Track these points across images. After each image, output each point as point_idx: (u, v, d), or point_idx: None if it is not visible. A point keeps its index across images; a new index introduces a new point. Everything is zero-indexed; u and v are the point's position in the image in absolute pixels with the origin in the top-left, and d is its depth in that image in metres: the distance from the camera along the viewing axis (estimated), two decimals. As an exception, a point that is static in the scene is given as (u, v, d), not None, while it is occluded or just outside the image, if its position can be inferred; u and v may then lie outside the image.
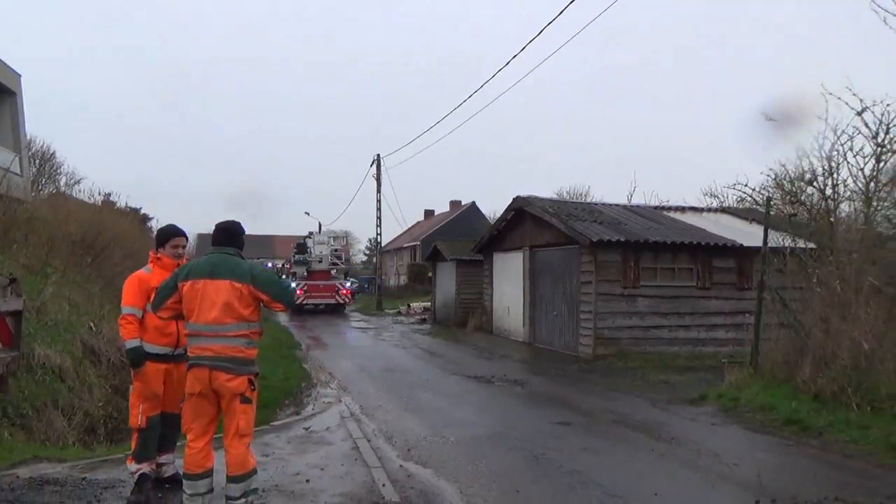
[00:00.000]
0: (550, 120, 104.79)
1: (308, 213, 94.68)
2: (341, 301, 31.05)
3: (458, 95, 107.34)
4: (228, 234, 4.61)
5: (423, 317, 28.34)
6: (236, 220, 4.75)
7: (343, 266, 33.01)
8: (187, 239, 5.53)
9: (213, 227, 4.70)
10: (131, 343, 4.91)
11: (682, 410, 9.10)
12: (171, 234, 5.31)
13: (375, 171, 35.24)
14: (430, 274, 28.69)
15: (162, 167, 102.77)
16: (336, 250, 32.60)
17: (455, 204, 59.41)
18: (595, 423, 8.29)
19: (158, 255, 5.22)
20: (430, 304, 28.16)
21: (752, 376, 9.95)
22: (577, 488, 5.53)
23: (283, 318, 27.78)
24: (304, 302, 29.96)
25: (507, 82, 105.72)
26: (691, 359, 14.19)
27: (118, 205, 23.29)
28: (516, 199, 18.64)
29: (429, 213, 65.04)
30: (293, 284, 32.31)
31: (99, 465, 5.83)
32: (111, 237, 18.54)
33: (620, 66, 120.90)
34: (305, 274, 31.31)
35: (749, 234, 16.27)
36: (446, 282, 25.79)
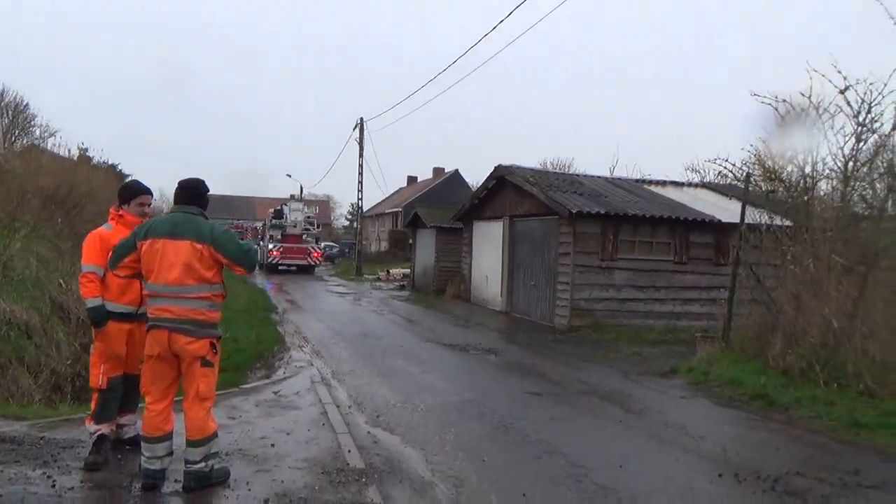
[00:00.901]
0: (538, 90, 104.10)
1: (290, 176, 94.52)
2: (312, 263, 34.25)
3: (444, 62, 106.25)
4: (191, 193, 4.45)
5: (402, 283, 28.30)
6: (200, 178, 4.57)
7: (315, 231, 36.02)
8: (152, 196, 5.34)
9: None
10: (92, 302, 4.76)
11: (652, 383, 9.16)
12: (136, 190, 5.12)
13: (358, 136, 34.83)
14: (410, 241, 28.60)
15: (140, 126, 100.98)
16: (309, 217, 35.68)
17: (438, 171, 59.05)
18: (566, 393, 8.31)
19: (121, 213, 5.04)
20: (409, 270, 28.09)
21: (723, 351, 10.02)
22: (542, 458, 5.53)
23: (259, 280, 27.71)
24: (279, 262, 33.25)
25: (494, 47, 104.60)
26: (665, 332, 14.30)
27: (94, 160, 22.77)
28: (498, 168, 18.49)
29: (412, 180, 64.66)
30: (270, 245, 33.87)
31: (59, 425, 5.72)
32: (85, 193, 18.25)
33: (614, 39, 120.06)
34: (280, 237, 34.10)
35: (727, 210, 16.30)
36: (426, 249, 25.72)
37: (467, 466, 5.29)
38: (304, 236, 34.77)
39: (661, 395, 8.42)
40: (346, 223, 77.79)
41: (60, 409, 6.81)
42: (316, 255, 34.80)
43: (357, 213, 39.12)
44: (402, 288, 26.85)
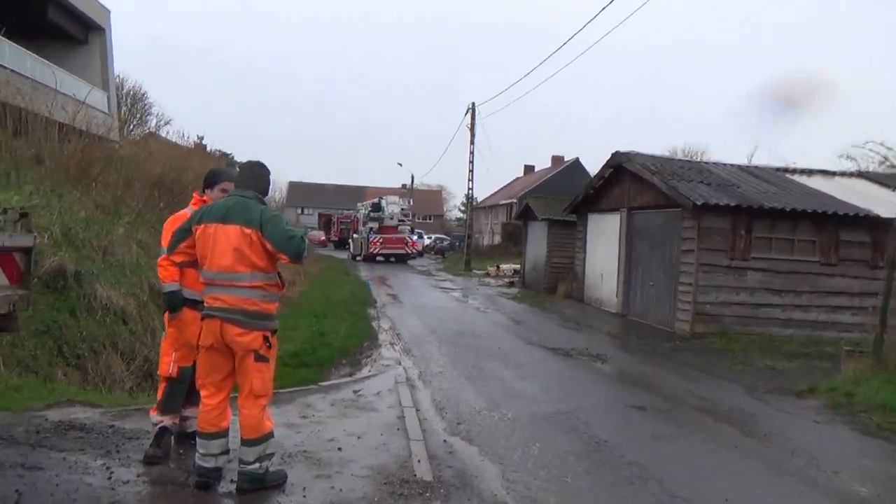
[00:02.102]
0: (668, 72, 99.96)
1: (401, 165, 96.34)
2: (409, 252, 38.19)
3: (562, 39, 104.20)
4: (250, 177, 4.44)
5: (511, 280, 27.98)
6: (260, 160, 4.56)
7: (409, 223, 39.53)
8: None
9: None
10: (169, 286, 4.75)
11: (782, 402, 8.43)
12: (220, 175, 5.15)
13: (469, 121, 34.83)
14: (523, 234, 28.29)
15: (253, 117, 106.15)
16: (404, 209, 38.92)
17: (557, 159, 58.11)
18: (675, 408, 7.80)
19: (204, 198, 5.09)
20: (521, 265, 27.78)
21: (873, 369, 9.06)
22: (634, 483, 5.16)
23: (364, 272, 28.31)
24: (378, 252, 36.86)
25: (615, 20, 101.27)
26: (806, 344, 13.22)
27: (208, 148, 24.02)
28: (615, 155, 17.81)
29: (528, 170, 64.07)
30: (370, 236, 36.90)
31: (132, 414, 5.96)
32: (192, 179, 19.17)
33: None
34: (378, 228, 37.30)
35: (890, 204, 14.84)
36: (537, 243, 25.24)
37: (547, 487, 5.01)
38: (399, 227, 37.70)
39: (792, 417, 7.71)
40: (460, 215, 78.63)
41: (139, 398, 7.10)
42: (412, 244, 38.77)
43: (469, 204, 39.17)
44: (511, 285, 26.57)
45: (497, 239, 50.80)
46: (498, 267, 32.21)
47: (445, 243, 53.02)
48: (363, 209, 40.33)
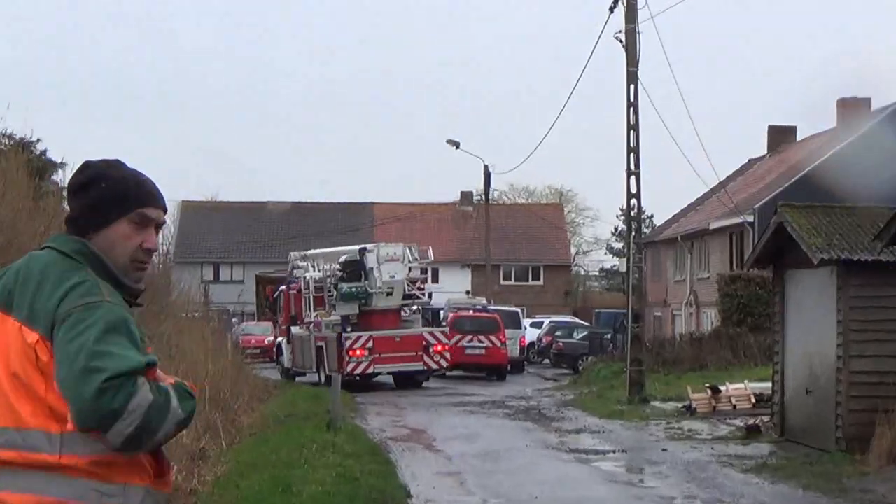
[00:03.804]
0: None
1: (456, 145, 45.83)
2: (433, 364, 24.20)
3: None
4: (73, 199, 2.22)
5: (752, 421, 16.75)
6: (110, 160, 2.26)
7: (423, 300, 25.66)
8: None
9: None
10: None
11: None
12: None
13: (624, 38, 20.66)
14: (776, 302, 16.32)
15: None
16: (413, 266, 25.20)
17: (853, 105, 34.52)
18: None
19: None
20: (771, 385, 16.56)
21: None
22: None
23: (374, 414, 18.02)
24: (368, 370, 23.34)
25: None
26: None
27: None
28: None
29: (777, 141, 40.62)
30: (344, 336, 23.15)
31: None
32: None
33: None
34: (357, 314, 23.85)
35: None
36: (813, 323, 14.11)
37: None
38: (404, 311, 24.83)
39: None
40: (611, 261, 61.52)
41: None
42: (437, 347, 24.12)
43: (629, 234, 23.12)
44: (749, 433, 15.72)
45: (708, 318, 32.74)
46: (712, 391, 18.61)
47: (580, 335, 34.66)
48: (318, 269, 25.97)
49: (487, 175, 42.34)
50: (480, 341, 27.60)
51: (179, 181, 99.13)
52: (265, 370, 26.32)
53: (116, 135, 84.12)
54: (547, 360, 35.86)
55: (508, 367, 29.09)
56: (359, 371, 23.21)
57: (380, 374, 24.21)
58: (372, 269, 24.20)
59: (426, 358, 23.87)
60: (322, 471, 10.31)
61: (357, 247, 25.91)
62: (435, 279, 52.56)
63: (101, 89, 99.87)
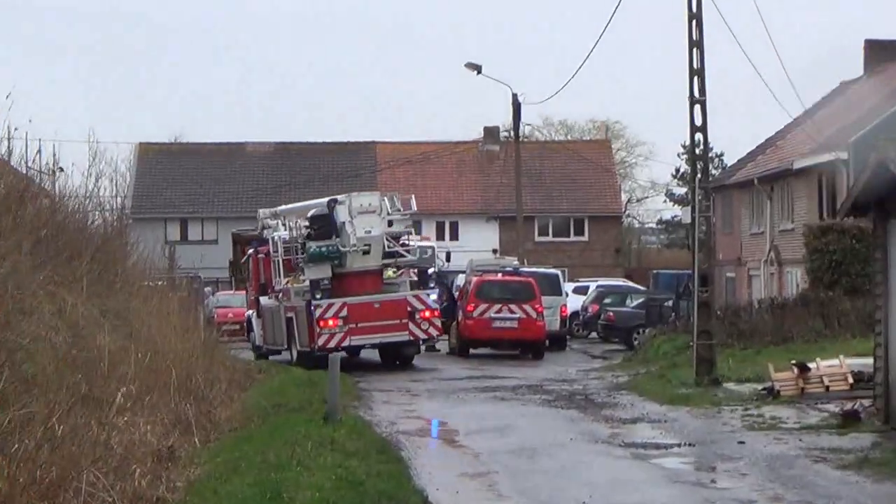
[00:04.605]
0: None
1: (477, 69, 46.33)
2: (420, 334, 25.68)
3: None
4: None
5: (849, 406, 17.58)
6: None
7: (410, 259, 26.92)
8: None
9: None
10: None
11: None
12: None
13: None
14: (875, 258, 17.27)
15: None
16: (394, 221, 26.32)
17: None
18: None
19: None
20: (872, 362, 17.50)
21: None
22: None
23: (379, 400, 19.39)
24: (344, 343, 24.58)
25: None
26: None
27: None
28: None
29: (879, 61, 41.31)
30: (313, 305, 24.67)
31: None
32: None
33: None
34: (330, 278, 25.02)
35: None
36: None
37: None
38: (386, 271, 26.28)
39: None
40: (668, 205, 62.26)
41: None
42: (424, 314, 25.37)
43: (694, 176, 23.99)
44: (844, 422, 16.61)
45: (793, 279, 34.44)
46: (800, 370, 19.35)
47: (632, 303, 36.65)
48: (286, 227, 27.48)
49: (517, 106, 42.61)
50: (512, 312, 28.40)
51: (134, 120, 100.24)
52: (246, 350, 27.15)
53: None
54: (594, 334, 37.22)
55: (546, 343, 30.01)
56: (332, 344, 24.17)
57: (360, 347, 25.42)
58: (344, 223, 25.16)
59: (412, 326, 24.98)
60: (319, 473, 10.96)
61: (325, 199, 26.95)
62: (454, 235, 52.90)
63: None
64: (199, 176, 56.45)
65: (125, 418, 10.51)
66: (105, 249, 17.09)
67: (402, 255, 26.61)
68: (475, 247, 44.96)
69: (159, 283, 19.03)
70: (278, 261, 26.73)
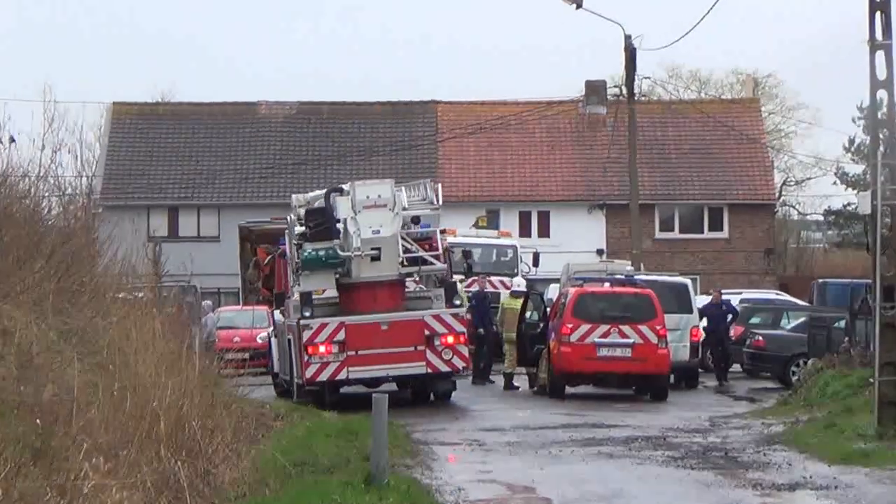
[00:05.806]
0: None
1: (577, 3, 49.88)
2: (441, 365, 26.37)
3: None
4: None
5: None
6: None
7: (438, 266, 27.75)
8: None
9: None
10: None
11: None
12: None
13: None
14: None
15: None
16: (418, 223, 27.39)
17: None
18: None
19: None
20: None
21: None
22: None
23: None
24: (340, 375, 25.65)
25: None
26: None
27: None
28: None
29: None
30: (303, 324, 25.39)
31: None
32: None
33: None
34: (335, 289, 26.88)
35: None
36: None
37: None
38: (407, 279, 27.62)
39: None
40: (839, 189, 62.84)
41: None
42: (446, 339, 26.08)
43: (875, 148, 23.48)
44: None
45: None
46: None
47: (790, 324, 37.01)
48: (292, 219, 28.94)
49: (631, 52, 42.23)
50: (624, 336, 28.63)
51: (106, 72, 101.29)
52: (261, 387, 27.16)
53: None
54: (737, 365, 37.11)
55: (671, 379, 30.30)
56: (324, 377, 25.18)
57: (360, 381, 26.20)
58: (346, 220, 26.07)
59: (430, 355, 25.84)
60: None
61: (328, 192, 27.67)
62: (543, 230, 52.28)
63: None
64: (194, 148, 56.53)
65: (92, 482, 10.53)
66: (66, 249, 17.15)
67: (430, 262, 27.22)
68: (573, 246, 44.51)
69: (140, 294, 19.04)
70: (293, 264, 27.41)
